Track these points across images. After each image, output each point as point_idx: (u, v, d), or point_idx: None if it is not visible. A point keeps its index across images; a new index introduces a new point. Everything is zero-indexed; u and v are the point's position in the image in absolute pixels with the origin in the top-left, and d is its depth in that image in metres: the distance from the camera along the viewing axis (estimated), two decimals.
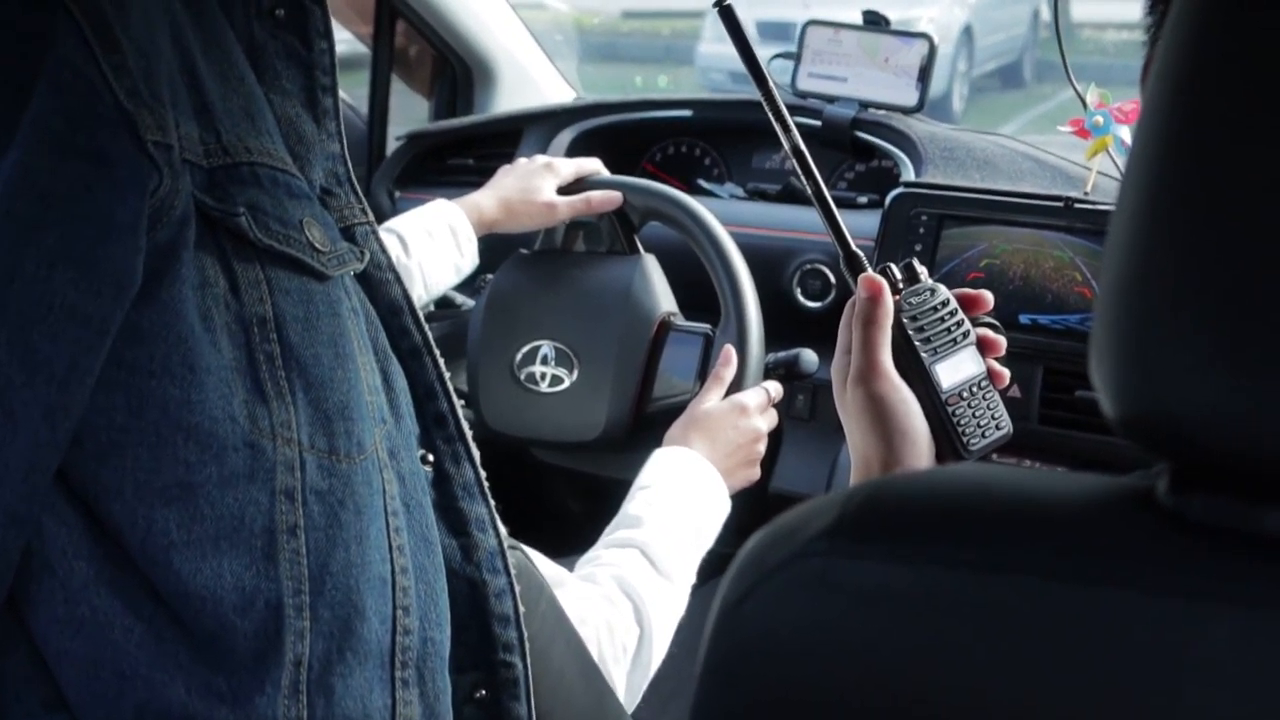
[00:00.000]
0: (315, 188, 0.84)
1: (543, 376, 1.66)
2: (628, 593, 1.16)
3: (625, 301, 1.65)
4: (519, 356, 1.68)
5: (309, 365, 0.76)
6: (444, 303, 1.83)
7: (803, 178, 1.02)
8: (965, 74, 7.97)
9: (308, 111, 0.85)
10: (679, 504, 1.31)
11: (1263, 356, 0.46)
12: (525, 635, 0.90)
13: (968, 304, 1.01)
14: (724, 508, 1.38)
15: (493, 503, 0.91)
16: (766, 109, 1.01)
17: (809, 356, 1.68)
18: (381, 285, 0.88)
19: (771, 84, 1.02)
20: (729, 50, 1.05)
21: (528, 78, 2.30)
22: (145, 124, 0.69)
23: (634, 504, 1.30)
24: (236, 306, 0.74)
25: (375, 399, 0.82)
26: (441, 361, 0.90)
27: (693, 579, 1.27)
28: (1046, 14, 8.70)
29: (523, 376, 1.67)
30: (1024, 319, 1.70)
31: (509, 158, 2.13)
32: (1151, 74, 0.50)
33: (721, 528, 1.40)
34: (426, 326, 0.90)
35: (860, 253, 1.02)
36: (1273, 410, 0.46)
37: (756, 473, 1.48)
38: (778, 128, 1.01)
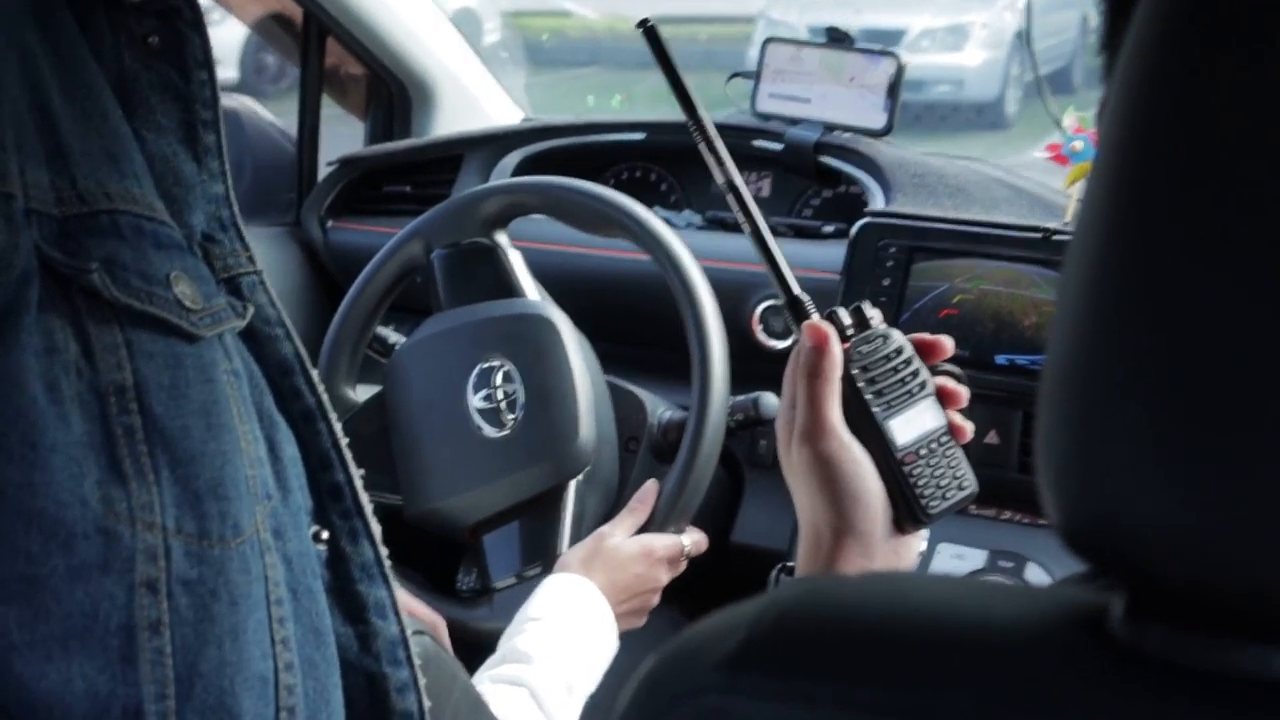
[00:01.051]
0: (195, 234, 0.77)
1: (499, 403, 1.52)
2: None
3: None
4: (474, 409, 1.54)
5: (176, 438, 0.68)
6: (378, 342, 1.69)
7: (739, 215, 0.94)
8: (1018, 78, 7.90)
9: (186, 149, 0.77)
10: (571, 643, 1.24)
11: (1228, 456, 0.38)
12: None
13: (926, 351, 0.94)
14: (612, 650, 1.29)
15: (395, 585, 0.83)
16: (697, 140, 0.92)
17: (769, 400, 1.57)
18: (270, 342, 0.80)
19: (701, 111, 0.94)
20: None
21: (470, 98, 2.17)
22: None
23: (523, 639, 1.21)
24: (90, 374, 0.66)
25: (258, 472, 0.74)
26: (338, 426, 0.82)
27: None
28: (1094, 19, 8.93)
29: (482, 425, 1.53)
30: (1000, 360, 1.59)
31: (449, 185, 2.01)
32: (1104, 116, 0.44)
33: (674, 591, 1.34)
34: (321, 387, 0.81)
35: (804, 296, 0.94)
36: (1239, 524, 0.39)
37: (642, 622, 1.40)
38: (709, 160, 0.94)
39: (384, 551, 0.83)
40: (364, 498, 0.82)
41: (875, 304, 1.63)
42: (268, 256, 1.96)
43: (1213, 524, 0.39)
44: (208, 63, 0.78)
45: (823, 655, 0.48)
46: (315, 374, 0.81)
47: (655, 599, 1.39)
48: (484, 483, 1.49)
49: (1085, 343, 0.42)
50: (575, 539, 1.40)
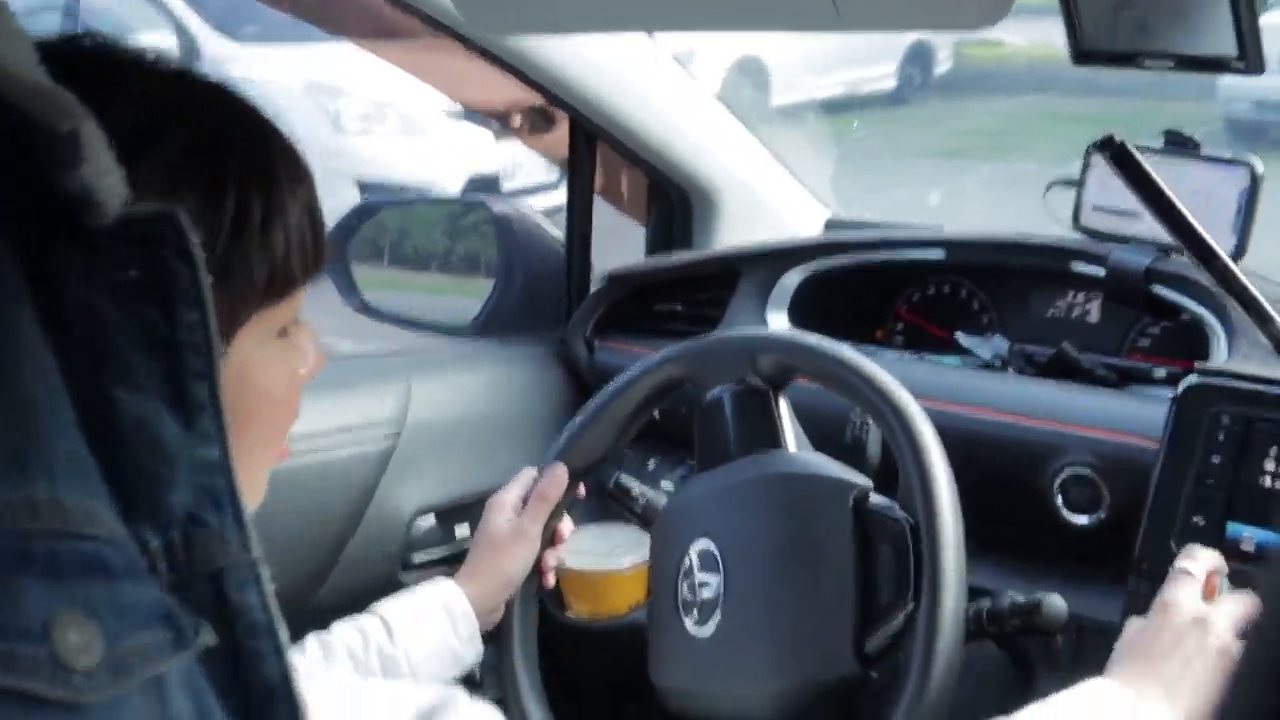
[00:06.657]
0: (178, 513, 0.61)
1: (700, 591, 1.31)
2: None
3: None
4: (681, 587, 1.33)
5: None
6: (620, 490, 1.51)
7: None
8: None
9: (172, 409, 0.62)
10: None
11: None
12: None
13: None
14: None
15: None
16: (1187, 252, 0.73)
17: (1055, 605, 1.27)
18: (254, 660, 0.62)
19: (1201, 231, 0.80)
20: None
21: (760, 203, 1.95)
22: None
23: None
24: None
25: None
26: None
27: None
28: None
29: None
30: None
31: (723, 305, 1.81)
32: None
33: None
34: (305, 710, 0.64)
35: None
36: None
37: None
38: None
39: None
40: None
41: (1199, 490, 1.32)
42: (530, 378, 1.85)
43: None
44: (200, 300, 0.62)
45: None
46: (301, 698, 0.64)
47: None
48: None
49: None
50: None
